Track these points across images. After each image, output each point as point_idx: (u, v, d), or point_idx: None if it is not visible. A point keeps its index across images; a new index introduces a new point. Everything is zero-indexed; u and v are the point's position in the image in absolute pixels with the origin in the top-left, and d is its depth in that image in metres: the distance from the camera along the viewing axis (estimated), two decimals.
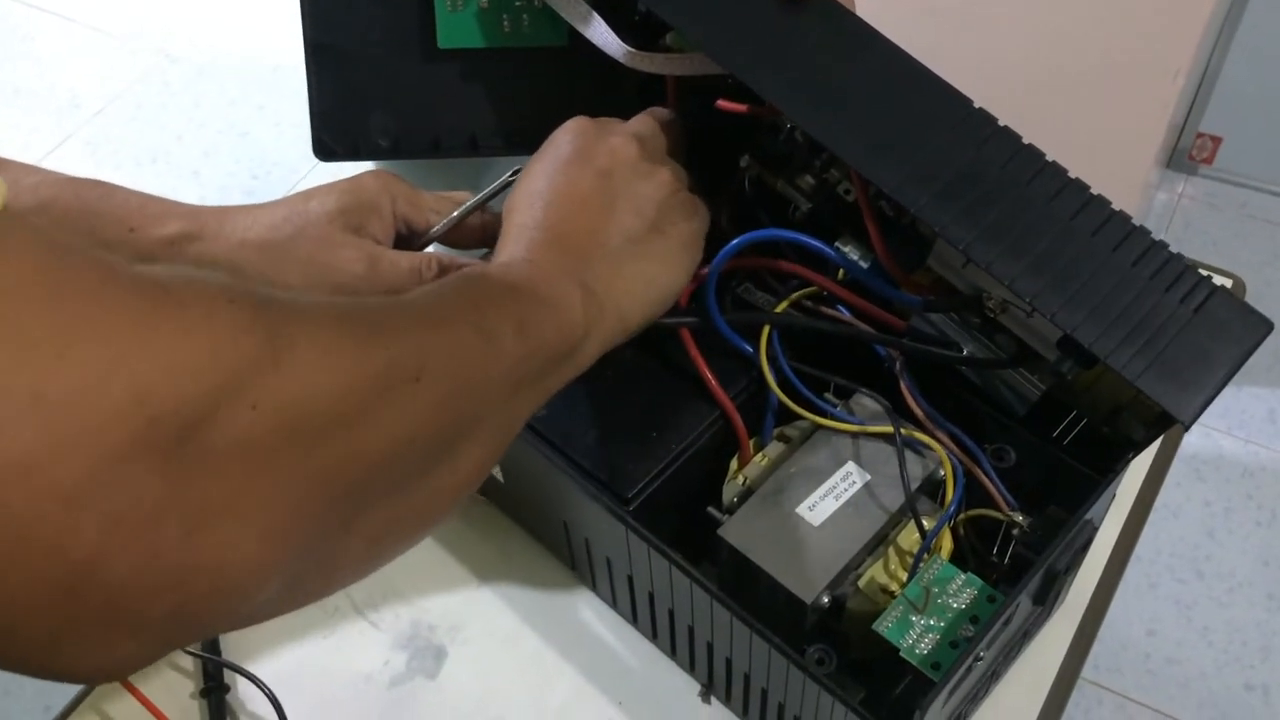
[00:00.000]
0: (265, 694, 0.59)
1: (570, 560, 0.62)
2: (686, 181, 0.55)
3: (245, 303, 0.30)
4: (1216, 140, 1.83)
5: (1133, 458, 0.52)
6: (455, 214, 0.57)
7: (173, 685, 0.61)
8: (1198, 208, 1.86)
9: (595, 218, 0.51)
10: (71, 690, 0.61)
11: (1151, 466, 0.67)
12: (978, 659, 0.47)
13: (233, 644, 0.62)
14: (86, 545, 0.25)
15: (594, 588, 0.63)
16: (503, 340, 0.41)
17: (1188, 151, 1.85)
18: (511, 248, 0.50)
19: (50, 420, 0.25)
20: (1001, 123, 0.50)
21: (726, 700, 0.59)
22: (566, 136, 0.54)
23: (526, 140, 0.62)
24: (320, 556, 0.33)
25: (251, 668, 0.60)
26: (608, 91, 0.62)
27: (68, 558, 0.25)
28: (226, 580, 0.29)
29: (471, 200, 0.57)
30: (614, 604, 0.62)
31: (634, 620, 0.61)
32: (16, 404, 0.24)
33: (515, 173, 0.57)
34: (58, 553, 0.25)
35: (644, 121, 0.56)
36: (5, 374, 0.24)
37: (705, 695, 0.60)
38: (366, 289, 0.53)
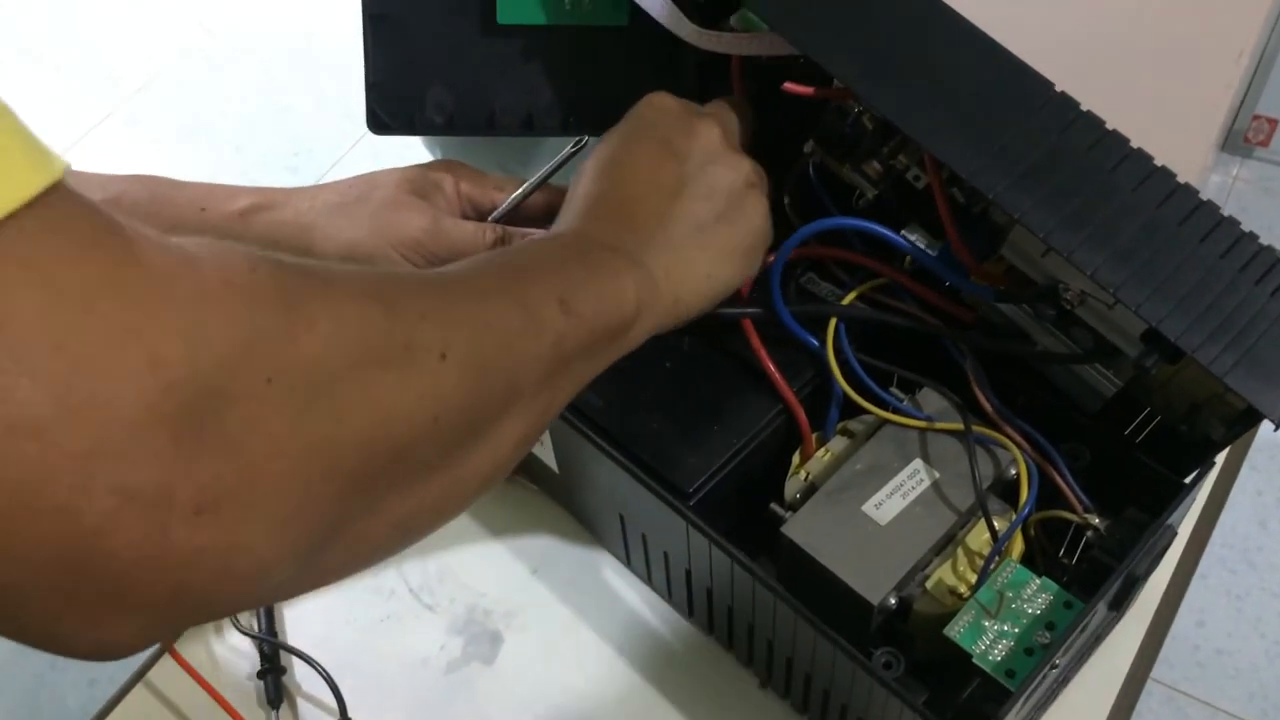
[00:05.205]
0: (322, 676, 0.58)
1: (626, 553, 0.61)
2: (762, 179, 0.53)
3: (266, 271, 0.29)
4: (1273, 122, 1.78)
5: (1214, 459, 0.50)
6: (519, 191, 0.56)
7: (230, 666, 0.61)
8: (1252, 192, 1.81)
9: (664, 198, 0.49)
10: (120, 669, 0.61)
11: (1226, 462, 0.65)
12: (1053, 667, 0.46)
13: (290, 626, 0.62)
14: (95, 515, 0.24)
15: (649, 581, 0.62)
16: (545, 316, 0.40)
17: (1243, 134, 1.80)
18: (571, 216, 0.48)
19: (67, 376, 0.24)
20: (1084, 107, 0.48)
21: (785, 696, 0.57)
22: (649, 111, 0.51)
23: (583, 120, 0.61)
24: (338, 541, 0.31)
25: (308, 650, 0.59)
26: (667, 73, 0.61)
27: (76, 526, 0.24)
28: (234, 565, 0.27)
29: (535, 176, 0.56)
30: (669, 597, 0.61)
31: (690, 614, 0.60)
32: (39, 352, 0.24)
33: (578, 144, 0.56)
34: (66, 518, 0.24)
35: (725, 108, 0.54)
36: (34, 321, 0.24)
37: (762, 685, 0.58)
38: (431, 246, 0.53)
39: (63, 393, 0.24)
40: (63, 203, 0.25)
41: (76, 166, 0.35)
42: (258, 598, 0.30)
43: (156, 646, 0.60)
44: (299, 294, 0.30)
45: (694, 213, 0.49)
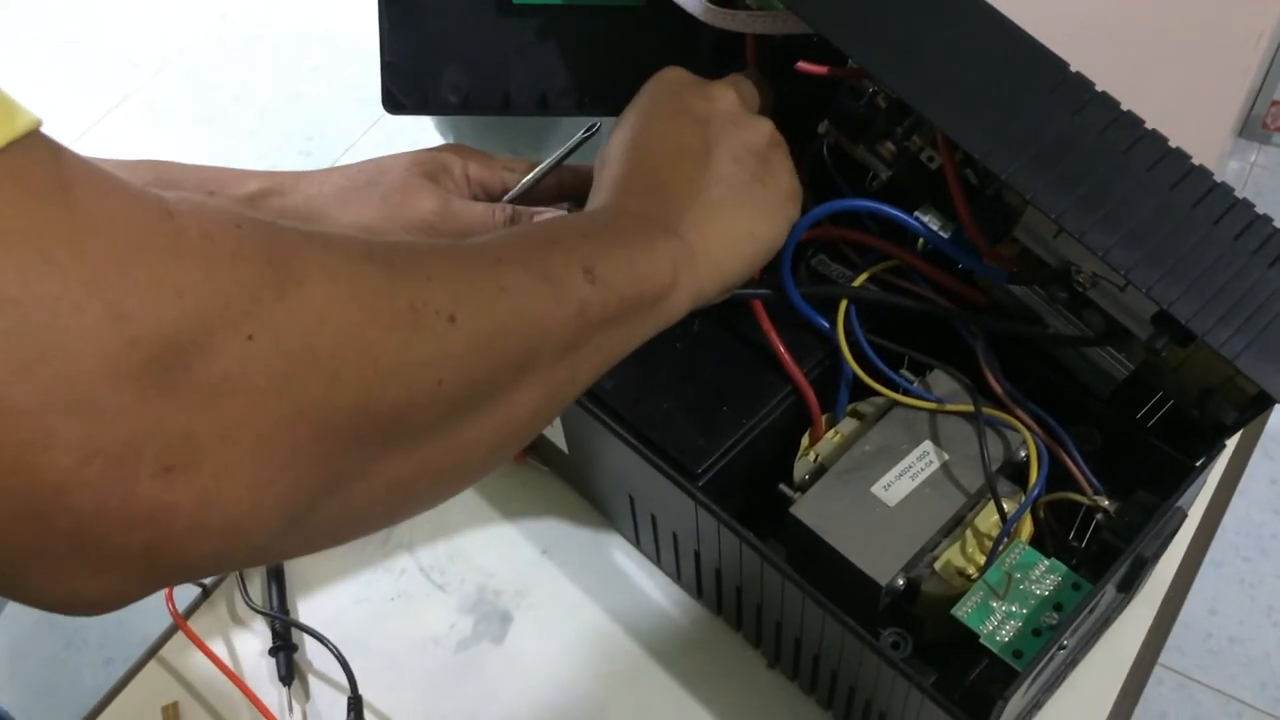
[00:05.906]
0: (333, 653, 0.59)
1: (635, 534, 0.61)
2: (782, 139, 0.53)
3: (253, 230, 0.28)
4: None
5: (1226, 443, 0.50)
6: (533, 174, 0.56)
7: (242, 643, 0.61)
8: (1270, 178, 1.80)
9: (694, 164, 0.48)
10: (136, 647, 0.62)
11: (1237, 447, 0.64)
12: (1061, 647, 0.46)
13: (301, 604, 0.62)
14: (55, 472, 0.24)
15: (658, 562, 0.62)
16: (567, 284, 0.39)
17: (1261, 119, 1.79)
18: (601, 196, 0.48)
19: (18, 330, 0.23)
20: (1099, 87, 0.48)
21: (794, 677, 0.57)
22: (663, 83, 0.52)
23: (598, 100, 0.61)
24: (330, 502, 0.31)
25: (320, 627, 0.60)
26: (683, 53, 0.60)
27: (34, 484, 0.24)
28: (209, 522, 0.27)
29: (549, 159, 0.56)
30: (678, 578, 0.61)
31: (699, 595, 0.60)
32: None
33: (591, 129, 0.56)
34: (23, 476, 0.24)
35: (738, 78, 0.54)
36: None
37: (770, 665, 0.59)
38: (441, 228, 0.53)
39: (12, 348, 0.23)
40: (28, 153, 0.25)
41: (93, 149, 0.35)
42: (244, 557, 0.29)
43: (170, 623, 0.61)
44: (289, 252, 0.29)
45: (727, 174, 0.49)
